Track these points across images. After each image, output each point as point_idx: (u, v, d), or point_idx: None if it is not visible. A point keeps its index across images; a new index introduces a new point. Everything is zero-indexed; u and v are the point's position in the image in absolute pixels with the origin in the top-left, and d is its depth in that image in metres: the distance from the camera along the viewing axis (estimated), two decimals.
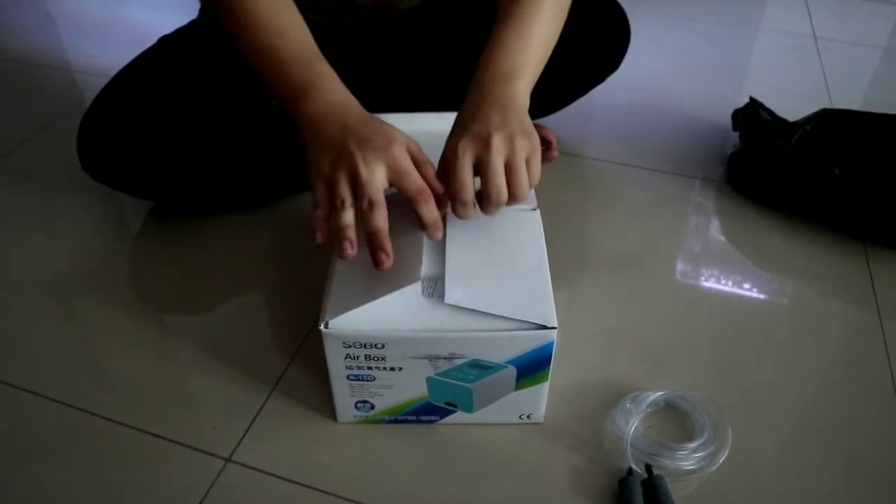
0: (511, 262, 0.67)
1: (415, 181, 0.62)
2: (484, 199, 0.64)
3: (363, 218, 0.62)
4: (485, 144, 0.63)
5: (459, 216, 0.65)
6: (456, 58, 0.99)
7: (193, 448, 0.71)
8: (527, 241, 0.70)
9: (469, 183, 0.63)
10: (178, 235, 0.97)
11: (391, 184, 0.62)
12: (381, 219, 0.61)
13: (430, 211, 0.63)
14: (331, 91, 0.69)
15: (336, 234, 0.62)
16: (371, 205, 0.61)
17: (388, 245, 0.62)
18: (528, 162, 0.64)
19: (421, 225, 0.63)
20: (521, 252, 0.69)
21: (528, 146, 0.64)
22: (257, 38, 0.73)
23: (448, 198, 0.64)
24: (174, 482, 0.68)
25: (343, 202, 0.61)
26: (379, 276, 0.63)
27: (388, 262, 0.62)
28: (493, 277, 0.65)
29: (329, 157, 0.63)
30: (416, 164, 0.64)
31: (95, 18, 1.65)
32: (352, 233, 0.62)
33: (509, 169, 0.63)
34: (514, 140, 0.63)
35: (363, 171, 0.61)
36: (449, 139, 0.66)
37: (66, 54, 1.49)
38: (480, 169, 0.63)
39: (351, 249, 0.62)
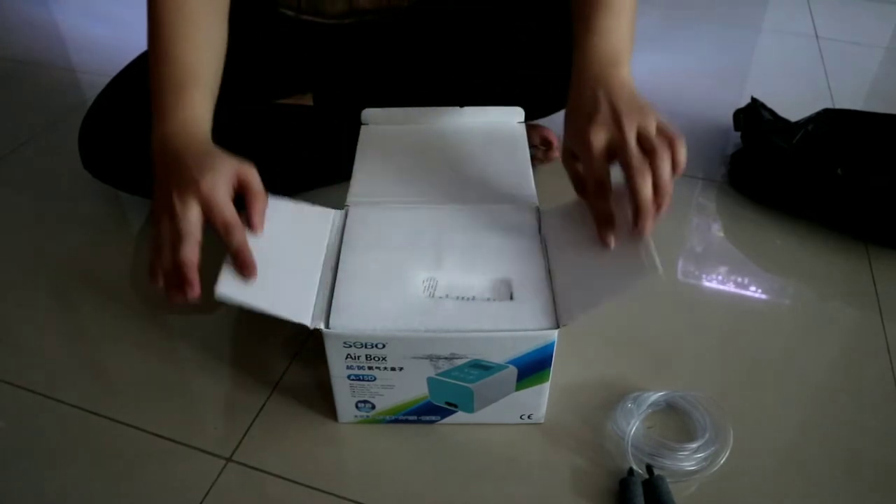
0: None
1: (219, 214, 0.60)
2: (631, 178, 0.62)
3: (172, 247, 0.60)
4: (617, 126, 0.62)
5: (597, 207, 0.65)
6: (457, 57, 0.99)
7: (194, 448, 0.71)
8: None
9: (607, 171, 0.63)
10: None
11: (204, 216, 0.61)
12: (187, 252, 0.59)
13: (231, 244, 0.60)
14: (181, 118, 0.69)
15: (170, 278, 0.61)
16: (179, 237, 0.59)
17: (192, 278, 0.59)
18: (663, 132, 0.63)
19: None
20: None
21: (655, 116, 0.64)
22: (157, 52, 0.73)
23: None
24: (175, 482, 0.68)
25: (162, 241, 0.61)
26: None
27: (179, 297, 0.60)
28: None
29: (157, 192, 0.64)
30: (245, 192, 0.64)
31: (98, 17, 1.65)
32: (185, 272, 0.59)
33: (647, 144, 0.62)
34: (643, 116, 0.63)
35: (177, 207, 0.60)
36: (571, 130, 0.67)
37: (69, 53, 1.49)
38: (618, 154, 0.63)
39: (187, 293, 0.60)
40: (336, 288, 0.65)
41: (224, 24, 0.76)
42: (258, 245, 0.63)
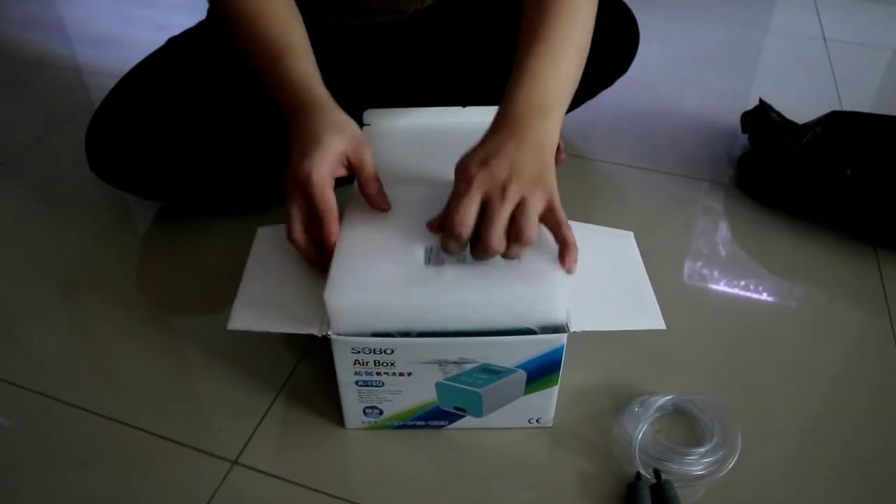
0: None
1: (313, 206, 0.65)
2: (479, 245, 0.60)
3: None
4: (501, 189, 0.59)
5: (446, 250, 0.61)
6: (464, 60, 0.99)
7: (199, 450, 0.70)
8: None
9: (471, 223, 0.59)
10: (185, 237, 0.97)
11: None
12: (294, 238, 0.66)
13: (327, 232, 0.65)
14: (287, 91, 0.71)
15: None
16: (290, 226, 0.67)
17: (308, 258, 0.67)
18: (535, 223, 0.60)
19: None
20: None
21: (542, 204, 0.61)
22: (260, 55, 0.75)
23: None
24: (180, 484, 0.68)
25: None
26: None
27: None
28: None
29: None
30: (356, 173, 0.67)
31: (105, 19, 1.65)
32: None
33: (515, 221, 0.59)
34: (533, 193, 0.60)
35: (288, 203, 0.67)
36: (465, 162, 0.62)
37: (76, 55, 1.49)
38: (486, 212, 0.59)
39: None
40: (334, 263, 0.63)
41: None
42: (265, 270, 0.68)
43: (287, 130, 0.70)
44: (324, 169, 0.65)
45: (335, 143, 0.66)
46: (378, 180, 0.68)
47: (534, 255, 0.62)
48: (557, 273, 0.61)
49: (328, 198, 0.65)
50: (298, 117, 0.69)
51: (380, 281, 0.61)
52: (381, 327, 0.61)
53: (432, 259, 0.63)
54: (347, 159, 0.67)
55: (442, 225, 0.62)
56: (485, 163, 0.61)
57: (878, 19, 1.65)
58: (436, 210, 0.66)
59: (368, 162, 0.67)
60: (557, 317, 0.61)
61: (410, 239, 0.65)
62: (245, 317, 0.64)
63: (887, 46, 1.53)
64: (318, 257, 0.67)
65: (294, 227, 0.66)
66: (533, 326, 0.61)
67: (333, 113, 0.69)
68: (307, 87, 0.71)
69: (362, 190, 0.68)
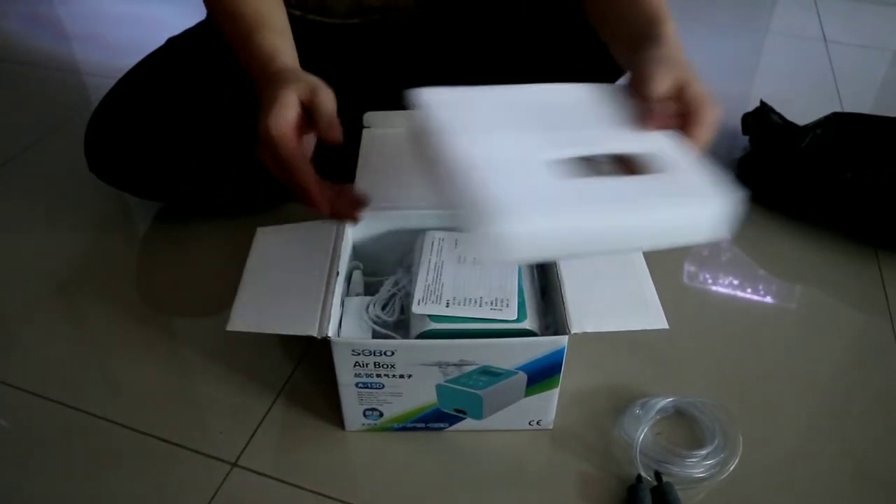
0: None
1: (276, 157, 0.65)
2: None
3: None
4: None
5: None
6: (463, 60, 0.98)
7: (199, 452, 0.70)
8: None
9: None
10: (184, 237, 0.97)
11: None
12: (289, 182, 0.66)
13: (304, 180, 0.65)
14: (254, 64, 0.72)
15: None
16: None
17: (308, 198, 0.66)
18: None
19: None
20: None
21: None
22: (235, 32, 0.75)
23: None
24: (179, 486, 0.67)
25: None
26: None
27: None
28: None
29: None
30: (311, 109, 0.65)
31: (103, 19, 1.65)
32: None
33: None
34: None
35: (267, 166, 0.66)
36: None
37: (75, 55, 1.49)
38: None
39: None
40: (470, 181, 0.50)
41: None
42: (264, 271, 0.68)
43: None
44: (280, 119, 0.63)
45: (288, 92, 0.64)
46: (336, 123, 0.64)
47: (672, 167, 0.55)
48: (716, 186, 0.53)
49: (291, 147, 0.63)
50: (263, 87, 0.68)
51: (548, 198, 0.49)
52: (550, 254, 0.59)
53: (567, 173, 0.52)
54: (302, 105, 0.65)
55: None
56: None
57: (878, 21, 1.65)
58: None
59: (325, 103, 0.64)
60: (723, 231, 0.52)
61: (530, 150, 0.54)
62: (245, 318, 0.64)
63: (888, 48, 1.53)
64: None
65: (290, 180, 0.66)
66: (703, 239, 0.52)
67: (292, 71, 0.68)
68: (273, 58, 0.70)
69: (318, 129, 0.65)
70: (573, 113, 0.60)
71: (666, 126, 0.59)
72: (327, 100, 0.65)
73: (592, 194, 0.51)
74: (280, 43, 0.73)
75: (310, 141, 0.67)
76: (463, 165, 0.51)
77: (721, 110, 0.61)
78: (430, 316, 0.64)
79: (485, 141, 0.54)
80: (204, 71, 0.93)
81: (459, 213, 0.50)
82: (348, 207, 0.68)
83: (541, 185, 0.50)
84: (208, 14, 1.01)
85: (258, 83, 0.70)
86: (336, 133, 0.64)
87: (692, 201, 0.52)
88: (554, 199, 0.49)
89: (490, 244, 0.47)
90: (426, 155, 0.57)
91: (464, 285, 0.66)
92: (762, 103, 1.09)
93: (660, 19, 0.70)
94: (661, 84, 0.61)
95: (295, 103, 0.65)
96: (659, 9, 0.72)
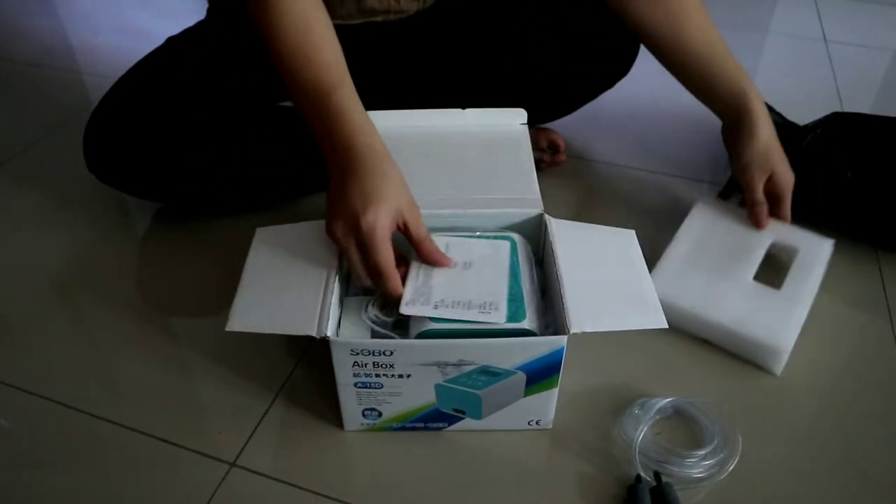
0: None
1: (372, 259, 0.64)
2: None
3: None
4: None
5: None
6: (464, 61, 0.98)
7: (198, 452, 0.70)
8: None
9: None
10: (184, 238, 0.97)
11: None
12: (366, 282, 0.66)
13: (383, 288, 0.65)
14: (349, 127, 0.70)
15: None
16: (366, 274, 0.66)
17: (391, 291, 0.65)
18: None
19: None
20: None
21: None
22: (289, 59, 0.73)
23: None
24: (178, 486, 0.67)
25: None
26: None
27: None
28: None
29: (332, 207, 0.67)
30: (408, 237, 0.67)
31: (103, 19, 1.65)
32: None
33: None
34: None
35: (340, 241, 0.66)
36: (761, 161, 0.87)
37: (75, 55, 1.49)
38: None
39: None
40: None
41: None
42: (263, 271, 0.68)
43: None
44: (388, 222, 0.64)
45: (397, 198, 0.65)
46: (429, 243, 0.68)
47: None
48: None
49: (388, 252, 0.64)
50: (354, 158, 0.67)
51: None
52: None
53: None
54: (404, 219, 0.66)
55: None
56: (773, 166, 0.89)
57: (879, 20, 1.65)
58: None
59: (422, 224, 0.67)
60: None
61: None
62: (243, 318, 0.64)
63: (888, 48, 1.53)
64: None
65: (362, 276, 0.66)
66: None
67: (392, 165, 0.68)
68: (363, 129, 0.69)
69: (420, 252, 0.67)
70: None
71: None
72: (422, 222, 0.67)
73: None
74: (362, 109, 0.71)
75: None
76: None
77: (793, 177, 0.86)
78: (429, 316, 0.64)
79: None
80: (204, 70, 0.93)
81: None
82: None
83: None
84: (208, 14, 1.01)
85: (343, 151, 0.68)
86: (447, 259, 0.68)
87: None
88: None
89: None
90: None
91: (454, 288, 0.66)
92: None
93: (745, 91, 0.89)
94: (760, 191, 0.87)
95: (398, 211, 0.65)
96: (731, 59, 0.92)
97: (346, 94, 0.71)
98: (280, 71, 0.74)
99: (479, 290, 0.66)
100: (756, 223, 0.87)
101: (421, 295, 0.65)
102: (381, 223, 0.63)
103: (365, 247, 0.64)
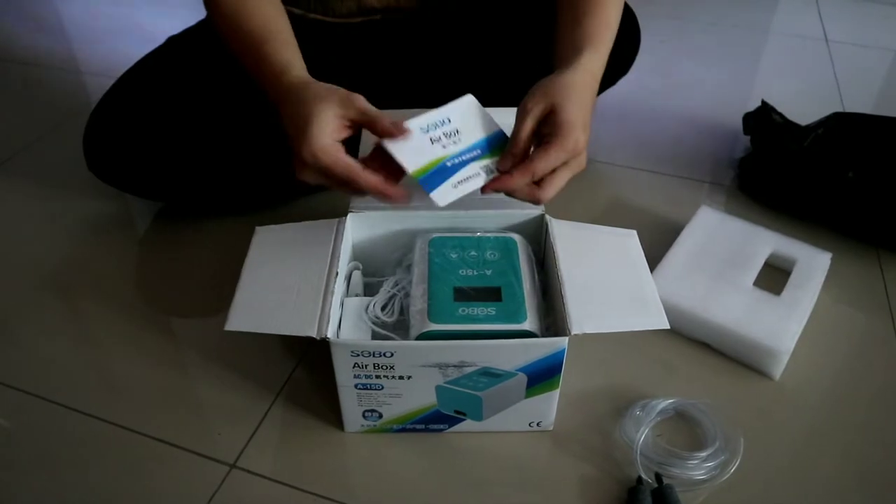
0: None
1: (332, 176, 0.64)
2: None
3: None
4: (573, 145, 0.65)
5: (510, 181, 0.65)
6: (465, 60, 0.98)
7: (197, 453, 0.70)
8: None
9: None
10: (184, 238, 0.97)
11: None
12: (353, 189, 0.66)
13: (361, 193, 0.65)
14: (268, 74, 0.72)
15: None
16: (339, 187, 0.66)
17: (387, 193, 0.65)
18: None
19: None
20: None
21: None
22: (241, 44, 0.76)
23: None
24: (178, 487, 0.67)
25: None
26: None
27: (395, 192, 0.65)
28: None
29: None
30: (362, 123, 0.66)
31: (103, 19, 1.65)
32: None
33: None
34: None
35: (303, 176, 0.66)
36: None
37: (75, 55, 1.49)
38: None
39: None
40: None
41: None
42: (263, 271, 0.67)
43: (279, 122, 0.70)
44: (326, 138, 0.64)
45: (325, 110, 0.64)
46: (385, 116, 0.65)
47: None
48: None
49: (343, 160, 0.64)
50: (283, 104, 0.68)
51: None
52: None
53: None
54: (349, 120, 0.65)
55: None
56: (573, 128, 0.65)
57: (880, 20, 1.65)
58: None
59: (366, 107, 0.65)
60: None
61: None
62: (243, 318, 0.63)
63: (889, 47, 1.52)
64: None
65: (348, 193, 0.67)
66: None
67: (313, 86, 0.68)
68: (284, 72, 0.70)
69: (375, 129, 0.65)
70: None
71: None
72: (366, 103, 0.66)
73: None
74: (291, 55, 0.73)
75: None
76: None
77: (588, 139, 0.66)
78: (429, 317, 0.63)
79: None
80: (204, 70, 0.93)
81: None
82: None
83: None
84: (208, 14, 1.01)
85: (272, 95, 0.70)
86: (401, 129, 0.65)
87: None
88: None
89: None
90: None
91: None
92: (763, 103, 1.09)
93: (584, 47, 0.73)
94: (529, 121, 0.66)
95: (338, 118, 0.65)
96: (590, 37, 0.74)
97: (271, 47, 0.73)
98: (222, 36, 0.78)
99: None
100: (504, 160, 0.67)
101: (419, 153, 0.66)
102: (318, 145, 0.63)
103: (322, 173, 0.64)
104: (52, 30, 1.60)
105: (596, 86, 0.72)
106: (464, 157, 0.66)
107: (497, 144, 0.68)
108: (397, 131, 0.65)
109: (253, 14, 0.75)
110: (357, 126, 0.66)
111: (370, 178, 0.64)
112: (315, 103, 0.65)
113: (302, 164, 0.64)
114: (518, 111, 0.67)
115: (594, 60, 0.72)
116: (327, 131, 0.64)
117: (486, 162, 0.67)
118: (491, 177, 0.66)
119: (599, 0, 0.77)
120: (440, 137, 0.67)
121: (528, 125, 0.65)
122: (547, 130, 0.65)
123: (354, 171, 0.63)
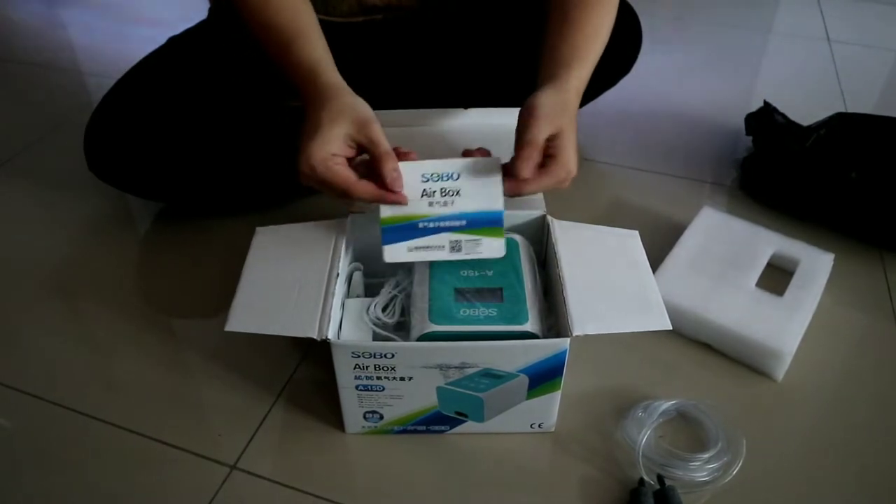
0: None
1: (331, 191, 0.65)
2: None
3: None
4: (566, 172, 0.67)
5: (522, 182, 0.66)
6: (466, 60, 0.98)
7: (198, 454, 0.70)
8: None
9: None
10: (185, 238, 0.97)
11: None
12: (351, 198, 0.66)
13: (358, 204, 0.67)
14: (297, 75, 0.72)
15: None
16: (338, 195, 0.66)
17: (388, 197, 0.65)
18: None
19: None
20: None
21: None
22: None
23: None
24: (179, 489, 0.67)
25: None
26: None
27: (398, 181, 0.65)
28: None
29: None
30: (368, 152, 0.66)
31: (104, 20, 1.65)
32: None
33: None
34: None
35: (307, 181, 0.66)
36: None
37: (76, 56, 1.49)
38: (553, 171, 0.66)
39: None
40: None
41: None
42: (263, 271, 0.67)
43: (292, 123, 0.71)
44: (323, 152, 0.64)
45: (335, 128, 0.65)
46: (394, 157, 0.65)
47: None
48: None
49: (341, 173, 0.64)
50: (308, 104, 0.69)
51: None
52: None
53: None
54: (353, 141, 0.66)
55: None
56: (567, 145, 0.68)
57: (882, 20, 1.64)
58: None
59: (378, 140, 0.65)
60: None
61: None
62: (243, 318, 0.63)
63: (892, 47, 1.52)
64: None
65: (342, 196, 0.66)
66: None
67: (340, 98, 0.68)
68: (315, 74, 0.71)
69: (376, 168, 0.65)
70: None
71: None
72: (379, 137, 0.65)
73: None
74: (321, 54, 0.73)
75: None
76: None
77: (576, 170, 0.68)
78: (430, 318, 0.63)
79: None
80: (204, 70, 0.92)
81: None
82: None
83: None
84: (210, 14, 1.01)
85: (304, 96, 0.71)
86: (399, 183, 0.65)
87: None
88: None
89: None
90: None
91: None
92: (765, 104, 1.09)
93: (573, 63, 0.73)
94: (539, 135, 0.66)
95: (344, 137, 0.65)
96: (579, 50, 0.75)
97: (301, 44, 0.73)
98: (251, 30, 0.77)
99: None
100: (516, 170, 0.65)
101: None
102: (318, 157, 0.64)
103: (318, 182, 0.65)
104: (52, 30, 1.60)
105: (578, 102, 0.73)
106: (441, 224, 0.66)
107: (487, 225, 0.66)
108: (391, 186, 0.64)
109: (281, 8, 0.75)
110: (360, 149, 0.67)
111: (364, 188, 0.64)
112: (331, 116, 0.66)
113: (301, 170, 0.65)
114: (526, 133, 0.66)
115: (582, 78, 0.74)
116: (331, 146, 0.64)
117: (459, 237, 0.66)
118: (454, 255, 0.65)
119: (592, 8, 0.78)
120: (434, 192, 0.66)
121: (536, 158, 0.66)
122: (545, 153, 0.67)
123: (349, 184, 0.64)
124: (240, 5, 0.77)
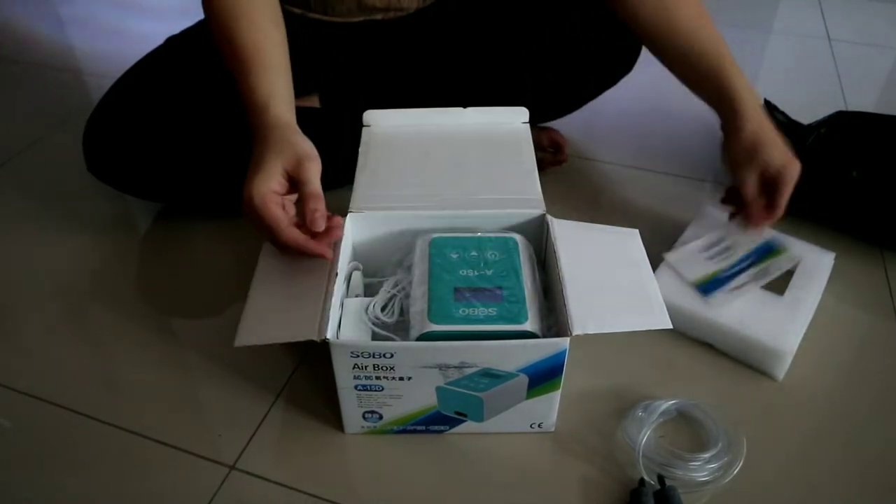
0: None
1: (261, 229, 0.66)
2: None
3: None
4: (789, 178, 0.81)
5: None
6: (466, 60, 0.98)
7: (197, 455, 0.70)
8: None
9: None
10: (184, 239, 0.97)
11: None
12: (279, 243, 0.66)
13: (285, 249, 0.67)
14: (250, 104, 0.73)
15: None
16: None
17: (312, 251, 0.66)
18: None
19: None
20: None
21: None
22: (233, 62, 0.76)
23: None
24: (178, 489, 0.67)
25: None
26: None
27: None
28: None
29: None
30: (297, 185, 0.67)
31: (103, 20, 1.65)
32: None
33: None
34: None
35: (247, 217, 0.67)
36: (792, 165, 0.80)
37: (75, 56, 1.49)
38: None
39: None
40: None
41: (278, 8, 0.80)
42: (269, 284, 0.68)
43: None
44: (265, 187, 0.65)
45: (275, 161, 0.66)
46: (320, 199, 0.66)
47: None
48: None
49: (273, 212, 0.65)
50: (253, 138, 0.70)
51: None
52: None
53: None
54: (289, 176, 0.67)
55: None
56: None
57: (883, 18, 1.64)
58: None
59: (309, 179, 0.66)
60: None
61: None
62: (251, 332, 0.63)
63: (893, 46, 1.52)
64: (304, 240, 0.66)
65: (270, 235, 0.66)
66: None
67: (283, 131, 0.69)
68: (265, 107, 0.71)
69: (301, 206, 0.67)
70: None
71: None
72: (311, 176, 0.66)
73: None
74: (275, 85, 0.73)
75: (291, 208, 0.68)
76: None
77: (788, 155, 0.81)
78: (430, 317, 0.63)
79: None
80: (203, 70, 0.92)
81: None
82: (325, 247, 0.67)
83: None
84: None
85: (251, 126, 0.72)
86: (320, 224, 0.65)
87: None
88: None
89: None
90: None
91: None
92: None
93: (731, 85, 0.87)
94: (751, 188, 0.82)
95: (281, 172, 0.66)
96: (719, 52, 0.89)
97: (260, 73, 0.73)
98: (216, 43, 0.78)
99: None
100: (748, 222, 0.84)
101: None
102: (254, 191, 0.65)
103: (250, 217, 0.66)
104: (52, 30, 1.60)
105: (755, 98, 0.85)
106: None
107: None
108: (311, 226, 0.65)
109: (250, 30, 0.75)
110: (292, 186, 0.68)
111: (291, 233, 0.65)
112: (272, 152, 0.67)
113: (243, 202, 0.66)
114: (741, 190, 0.83)
115: (738, 74, 0.87)
116: (269, 183, 0.65)
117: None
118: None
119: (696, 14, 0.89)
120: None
121: (761, 202, 0.82)
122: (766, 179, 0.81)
123: (278, 225, 0.64)
124: (209, 14, 0.77)
